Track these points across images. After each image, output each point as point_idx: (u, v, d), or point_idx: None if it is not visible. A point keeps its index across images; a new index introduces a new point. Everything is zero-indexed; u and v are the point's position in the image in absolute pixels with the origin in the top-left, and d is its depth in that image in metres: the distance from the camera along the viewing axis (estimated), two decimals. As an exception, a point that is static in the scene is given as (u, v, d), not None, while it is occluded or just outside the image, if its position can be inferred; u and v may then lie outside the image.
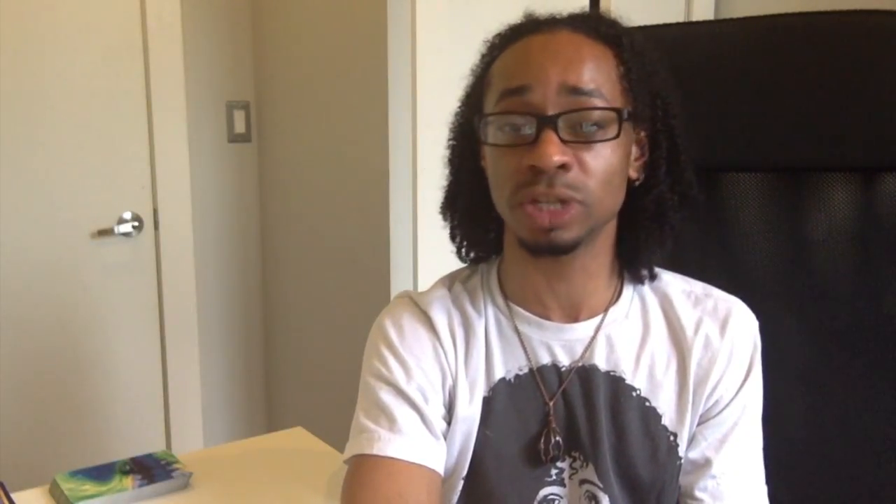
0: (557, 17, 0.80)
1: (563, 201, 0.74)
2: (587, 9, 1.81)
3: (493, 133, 0.77)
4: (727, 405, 0.82)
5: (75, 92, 2.05)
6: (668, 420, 0.82)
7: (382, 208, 1.83)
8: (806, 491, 0.97)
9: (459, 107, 0.87)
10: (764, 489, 0.84)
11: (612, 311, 0.84)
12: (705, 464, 0.82)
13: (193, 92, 2.22)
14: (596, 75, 0.75)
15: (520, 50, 0.78)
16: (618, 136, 0.75)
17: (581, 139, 0.74)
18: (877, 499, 0.93)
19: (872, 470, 0.94)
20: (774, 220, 0.98)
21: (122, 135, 2.13)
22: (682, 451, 0.82)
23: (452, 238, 0.90)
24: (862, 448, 0.94)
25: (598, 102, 0.74)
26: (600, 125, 0.74)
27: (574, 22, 0.79)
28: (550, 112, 0.73)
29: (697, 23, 1.87)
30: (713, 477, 0.82)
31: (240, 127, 2.34)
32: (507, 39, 0.80)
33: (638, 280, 0.85)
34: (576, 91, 0.74)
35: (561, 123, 0.73)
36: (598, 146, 0.74)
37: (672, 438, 0.82)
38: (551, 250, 0.77)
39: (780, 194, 0.98)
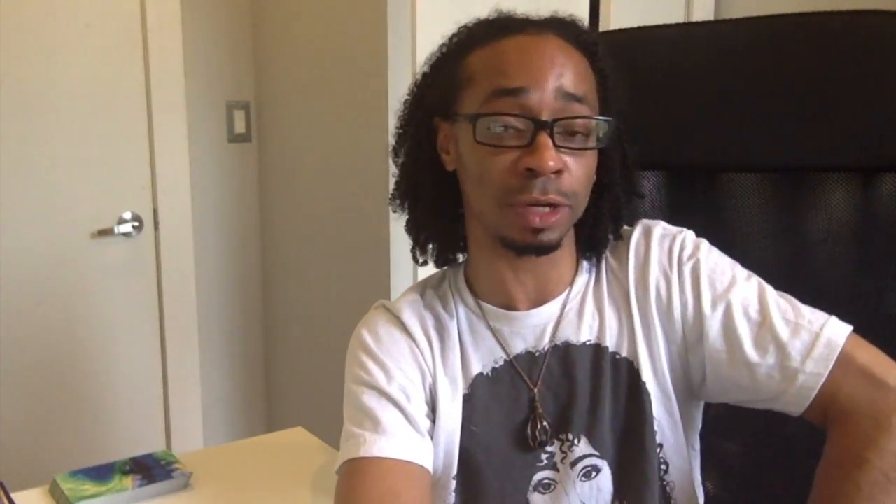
0: (538, 19, 0.81)
1: (552, 205, 0.77)
2: (587, 10, 1.81)
3: (481, 132, 0.77)
4: (697, 309, 0.81)
5: (75, 92, 2.05)
6: (634, 360, 0.83)
7: (382, 208, 1.83)
8: (807, 490, 0.97)
9: (412, 94, 0.88)
10: (827, 326, 0.78)
11: (574, 286, 0.86)
12: (748, 368, 0.79)
13: (193, 92, 2.22)
14: (583, 83, 0.78)
15: (511, 49, 0.78)
16: (602, 144, 0.79)
17: (571, 146, 0.77)
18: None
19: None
20: (774, 220, 0.99)
21: (122, 135, 2.13)
22: (647, 383, 0.82)
23: (409, 231, 0.91)
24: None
25: (587, 110, 0.78)
26: (587, 133, 0.78)
27: (557, 27, 0.80)
28: (545, 116, 0.75)
29: (697, 23, 1.87)
30: (758, 365, 0.78)
31: (240, 127, 2.34)
32: (487, 35, 0.81)
33: (595, 261, 0.88)
34: (570, 97, 0.76)
35: (555, 129, 0.75)
36: (582, 152, 0.78)
37: (639, 377, 0.82)
38: (537, 250, 0.80)
39: (780, 194, 0.98)
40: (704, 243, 0.84)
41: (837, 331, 0.78)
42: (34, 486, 1.18)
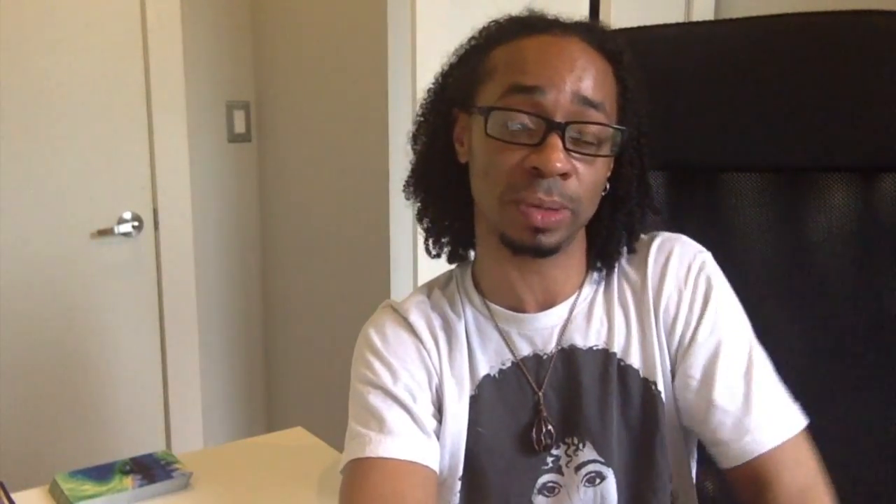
0: (565, 21, 0.81)
1: (555, 208, 0.76)
2: (587, 10, 1.81)
3: (493, 125, 0.77)
4: (694, 331, 0.82)
5: (75, 92, 2.05)
6: (644, 370, 0.83)
7: (382, 208, 1.83)
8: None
9: (436, 83, 0.88)
10: (792, 409, 0.81)
11: (583, 290, 0.86)
12: (707, 405, 0.80)
13: (193, 92, 2.22)
14: (602, 90, 0.77)
15: (533, 47, 0.78)
16: (614, 153, 0.79)
17: (582, 151, 0.76)
18: (877, 499, 0.93)
19: (873, 469, 0.94)
20: (774, 220, 0.98)
21: (122, 135, 2.13)
22: (662, 392, 0.82)
23: (419, 220, 0.91)
24: (862, 447, 0.94)
25: (603, 118, 0.77)
26: (600, 140, 0.77)
27: (583, 31, 0.80)
28: (559, 118, 0.75)
29: (697, 23, 1.87)
30: (718, 409, 0.80)
31: (240, 127, 2.34)
32: (513, 32, 0.80)
33: (607, 269, 0.88)
34: (586, 102, 0.76)
35: (567, 132, 0.75)
36: (593, 159, 0.77)
37: (654, 387, 0.82)
38: (535, 251, 0.79)
39: (780, 194, 0.98)
40: (722, 275, 0.85)
41: (800, 419, 0.81)
42: (34, 486, 1.18)
